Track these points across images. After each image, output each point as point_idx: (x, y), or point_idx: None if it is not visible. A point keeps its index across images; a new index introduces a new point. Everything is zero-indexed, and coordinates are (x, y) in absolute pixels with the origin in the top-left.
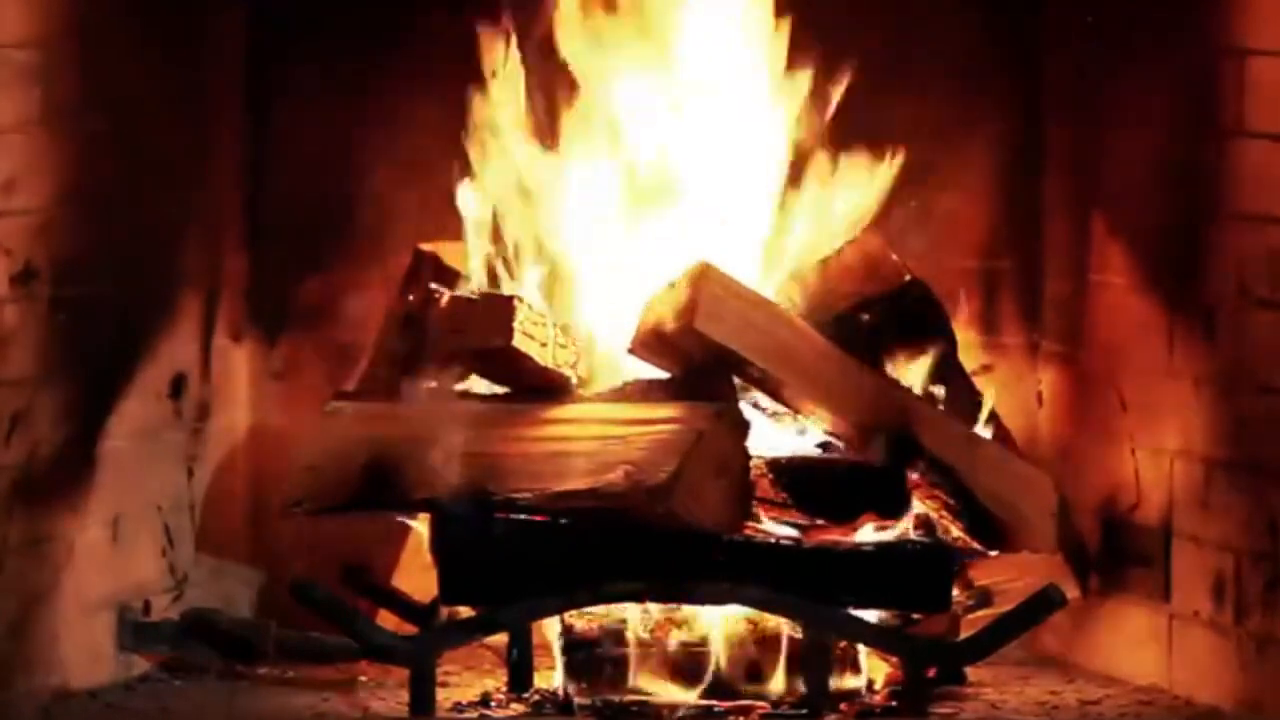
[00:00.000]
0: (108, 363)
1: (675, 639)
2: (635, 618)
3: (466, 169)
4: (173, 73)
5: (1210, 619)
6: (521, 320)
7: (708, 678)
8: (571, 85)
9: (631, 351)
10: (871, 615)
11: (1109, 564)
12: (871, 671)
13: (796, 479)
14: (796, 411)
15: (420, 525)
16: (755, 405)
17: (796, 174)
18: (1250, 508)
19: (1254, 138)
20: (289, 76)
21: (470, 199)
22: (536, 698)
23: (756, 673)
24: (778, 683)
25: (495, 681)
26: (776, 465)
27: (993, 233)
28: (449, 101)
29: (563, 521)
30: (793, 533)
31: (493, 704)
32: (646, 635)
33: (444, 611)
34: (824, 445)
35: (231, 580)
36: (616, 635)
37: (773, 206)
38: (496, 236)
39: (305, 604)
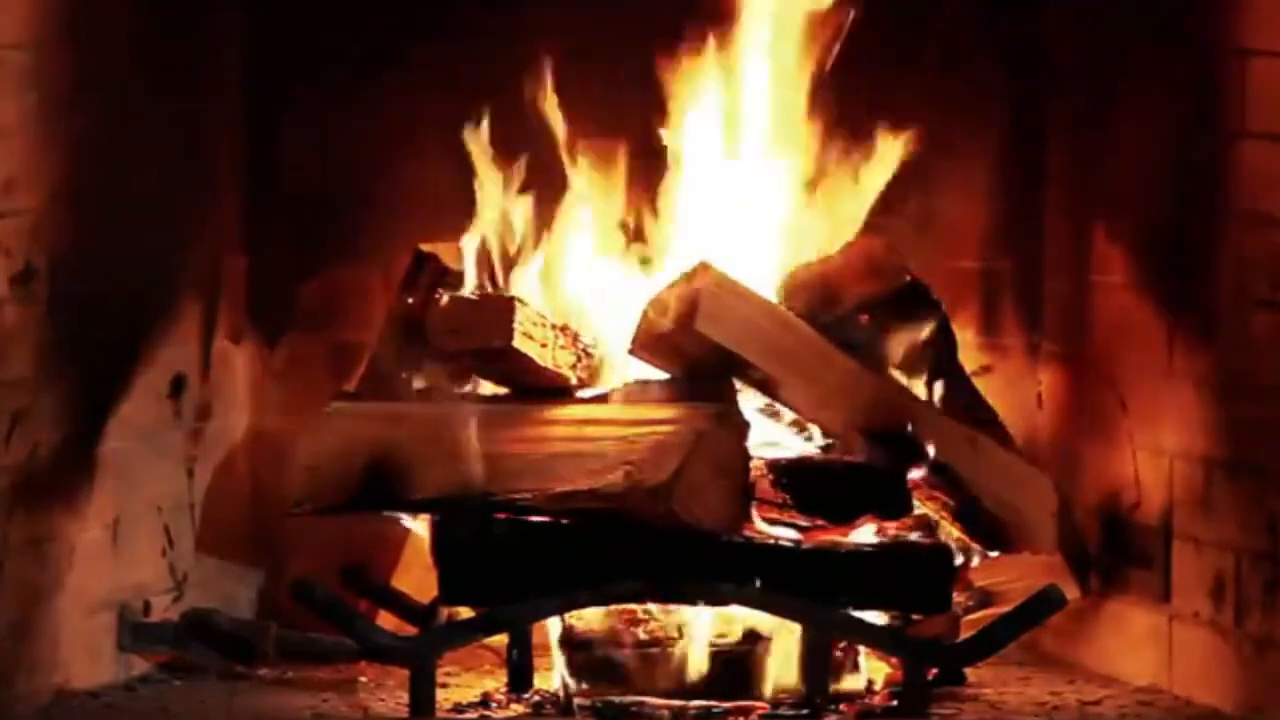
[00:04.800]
0: (108, 363)
1: (675, 639)
2: (635, 618)
3: (468, 169)
4: (172, 73)
5: (1210, 619)
6: (521, 321)
7: (707, 678)
8: (571, 81)
9: (631, 352)
10: (871, 615)
11: (1109, 564)
12: (871, 672)
13: (796, 479)
14: (797, 412)
15: (420, 525)
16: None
17: (796, 174)
18: (1250, 508)
19: (1254, 138)
20: (289, 77)
21: (471, 200)
22: (536, 698)
23: (756, 673)
24: (778, 683)
25: (495, 682)
26: (776, 465)
27: (993, 233)
28: (449, 101)
29: (563, 521)
30: (793, 533)
31: (493, 704)
32: (646, 636)
33: (444, 612)
34: (824, 446)
35: (231, 580)
36: (616, 636)
37: (773, 207)
38: (497, 237)
39: (305, 604)
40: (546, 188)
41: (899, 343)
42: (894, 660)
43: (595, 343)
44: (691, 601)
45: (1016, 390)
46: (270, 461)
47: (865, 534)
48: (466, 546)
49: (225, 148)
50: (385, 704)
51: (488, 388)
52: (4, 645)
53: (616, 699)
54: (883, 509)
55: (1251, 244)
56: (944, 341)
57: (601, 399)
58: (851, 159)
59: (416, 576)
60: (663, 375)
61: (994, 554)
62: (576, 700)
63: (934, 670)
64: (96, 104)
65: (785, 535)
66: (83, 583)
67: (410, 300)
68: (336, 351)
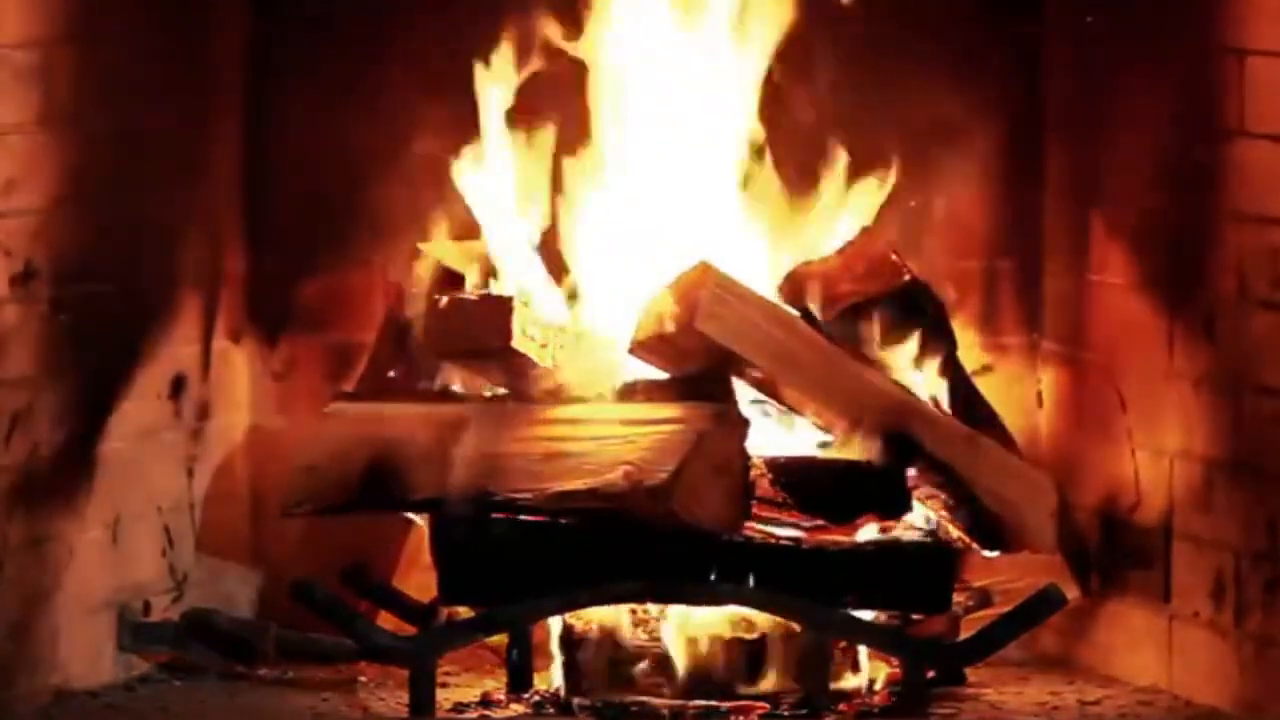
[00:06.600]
0: (108, 363)
1: (674, 639)
2: (634, 618)
3: (467, 169)
4: (173, 73)
5: (1210, 620)
6: (520, 321)
7: (707, 678)
8: (571, 83)
9: (631, 352)
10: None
11: (1109, 564)
12: (871, 671)
13: (796, 479)
14: (796, 412)
15: (420, 524)
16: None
17: (796, 173)
18: (1250, 508)
19: (1254, 138)
20: (289, 76)
21: (471, 199)
22: (536, 698)
23: (756, 673)
24: (778, 683)
25: (495, 682)
26: (776, 465)
27: (993, 233)
28: (449, 101)
29: (563, 521)
30: (792, 533)
31: (493, 704)
32: (646, 636)
33: (444, 612)
34: (824, 445)
35: (231, 580)
36: (616, 636)
37: (773, 207)
38: (496, 236)
39: (305, 604)
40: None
41: (899, 342)
42: (894, 660)
43: (595, 342)
44: (691, 601)
45: (1016, 390)
46: (270, 461)
47: (865, 534)
48: (466, 546)
49: (225, 148)
50: (385, 704)
51: (487, 388)
52: (4, 645)
53: (616, 699)
54: (883, 509)
55: (1251, 244)
56: (944, 341)
57: (601, 399)
58: (852, 157)
59: (416, 576)
60: (663, 375)
61: (994, 554)
62: (576, 700)
63: (933, 670)
64: (98, 104)
65: (785, 535)
66: (83, 583)
67: (410, 300)
68: (336, 351)
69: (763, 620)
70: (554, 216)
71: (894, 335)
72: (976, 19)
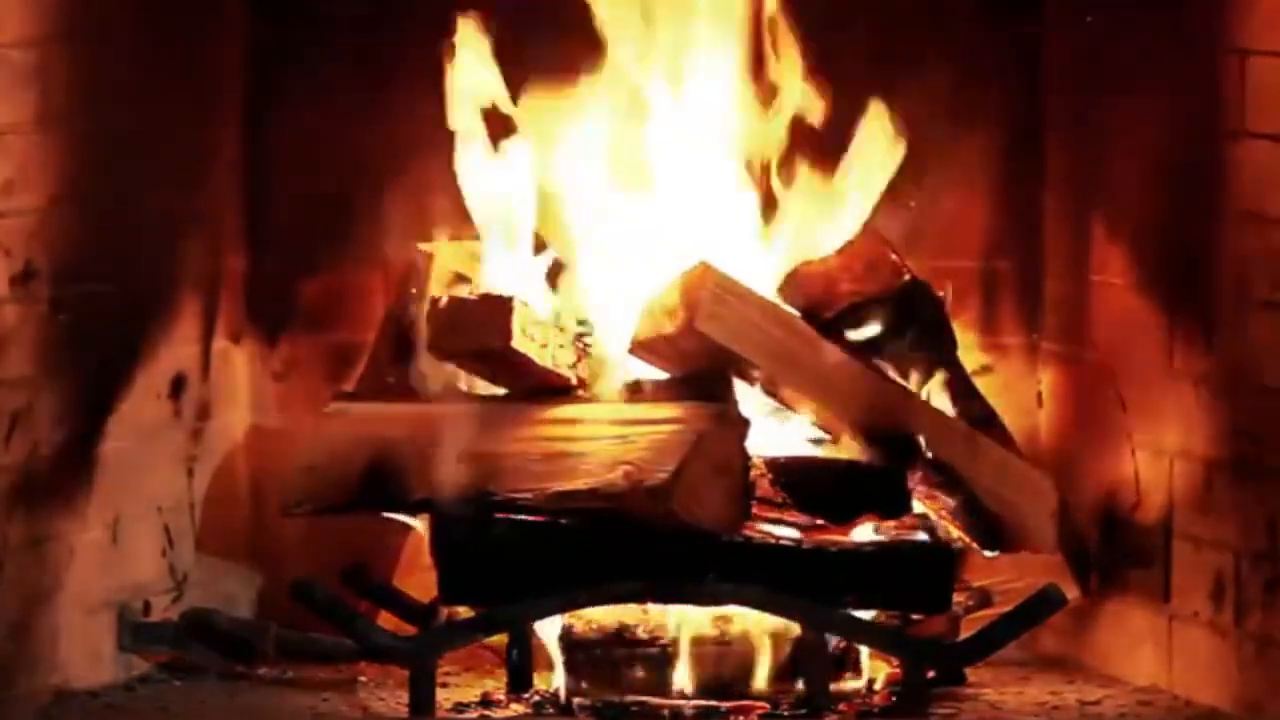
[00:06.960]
0: (108, 363)
1: (674, 639)
2: (634, 618)
3: (466, 170)
4: (173, 72)
5: (1210, 619)
6: (520, 321)
7: (707, 678)
8: (571, 84)
9: (632, 352)
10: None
11: (1109, 564)
12: (872, 671)
13: (796, 479)
14: (796, 411)
15: (420, 525)
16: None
17: (796, 173)
18: (1250, 508)
19: (1254, 138)
20: (289, 76)
21: (471, 200)
22: (536, 698)
23: (755, 673)
24: (777, 683)
25: (495, 681)
26: (776, 465)
27: (993, 233)
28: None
29: (563, 521)
30: (792, 533)
31: (493, 704)
32: (645, 636)
33: (444, 612)
34: (817, 440)
35: (231, 580)
36: (616, 636)
37: (772, 206)
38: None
39: (305, 604)
40: (545, 186)
41: (899, 342)
42: (894, 660)
43: (595, 342)
44: (691, 601)
45: (1016, 390)
46: (270, 461)
47: (865, 533)
48: (466, 546)
49: (225, 147)
50: (385, 704)
51: (487, 388)
52: (4, 645)
53: (616, 699)
54: (883, 509)
55: (1251, 244)
56: (944, 340)
57: (601, 399)
58: (852, 157)
59: (416, 576)
60: (662, 375)
61: (994, 554)
62: (576, 700)
63: (934, 670)
64: (97, 103)
65: (785, 535)
66: (83, 583)
67: (409, 300)
68: (336, 351)
69: (761, 620)
70: (554, 216)
71: (893, 335)
72: (976, 19)
